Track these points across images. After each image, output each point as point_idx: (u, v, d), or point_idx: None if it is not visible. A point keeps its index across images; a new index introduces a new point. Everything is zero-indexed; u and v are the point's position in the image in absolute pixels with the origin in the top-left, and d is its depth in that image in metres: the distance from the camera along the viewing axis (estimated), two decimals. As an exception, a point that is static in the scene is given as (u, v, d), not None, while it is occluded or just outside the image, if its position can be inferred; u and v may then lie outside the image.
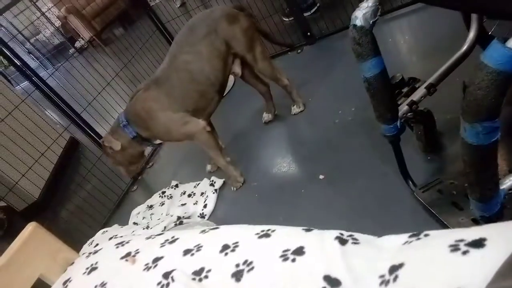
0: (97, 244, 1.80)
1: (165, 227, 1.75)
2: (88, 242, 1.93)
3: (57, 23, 5.63)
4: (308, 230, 0.79)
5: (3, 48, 1.92)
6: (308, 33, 2.51)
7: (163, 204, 2.16)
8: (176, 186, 2.24)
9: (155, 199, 2.27)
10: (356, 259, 0.66)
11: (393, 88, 1.21)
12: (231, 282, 0.75)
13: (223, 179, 2.01)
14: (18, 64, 2.00)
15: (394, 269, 0.60)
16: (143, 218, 2.13)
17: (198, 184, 2.12)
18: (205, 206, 1.94)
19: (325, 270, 0.66)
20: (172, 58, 1.75)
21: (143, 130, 1.81)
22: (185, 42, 1.75)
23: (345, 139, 1.69)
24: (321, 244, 0.71)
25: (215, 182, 2.02)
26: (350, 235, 0.72)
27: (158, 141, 2.00)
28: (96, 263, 1.05)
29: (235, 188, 1.90)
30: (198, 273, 0.82)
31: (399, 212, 1.23)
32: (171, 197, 2.17)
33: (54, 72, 2.56)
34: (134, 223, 2.11)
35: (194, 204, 1.99)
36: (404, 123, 1.18)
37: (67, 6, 4.83)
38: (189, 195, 2.09)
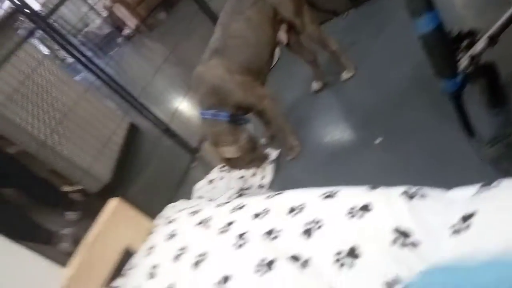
0: (168, 217, 1.96)
1: (228, 198, 1.85)
2: (159, 215, 2.10)
3: (104, 14, 5.87)
4: (373, 188, 0.82)
5: (63, 43, 2.07)
6: (353, -4, 2.42)
7: (222, 178, 2.27)
8: (234, 159, 2.33)
9: (214, 173, 2.38)
10: (425, 212, 0.69)
11: (451, 43, 1.16)
12: (303, 239, 0.80)
13: (279, 150, 2.06)
14: (79, 56, 2.15)
15: (465, 218, 0.62)
16: (206, 192, 2.26)
17: (254, 157, 2.19)
18: (263, 177, 2.01)
19: (394, 224, 0.69)
20: (224, 27, 1.79)
21: (225, 106, 1.79)
22: (234, 11, 1.79)
23: (401, 101, 1.65)
24: (388, 200, 0.74)
25: (271, 153, 2.08)
26: (417, 190, 0.74)
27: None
28: (175, 230, 1.16)
29: (292, 157, 1.94)
30: (270, 233, 0.88)
31: (464, 169, 1.20)
32: (230, 170, 2.27)
33: (109, 61, 2.70)
34: (199, 197, 2.24)
35: (252, 176, 2.07)
36: (464, 78, 1.14)
37: (113, -4, 5.03)
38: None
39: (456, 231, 0.62)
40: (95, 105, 2.65)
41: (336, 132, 1.84)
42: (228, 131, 1.79)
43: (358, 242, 0.70)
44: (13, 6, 2.04)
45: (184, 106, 3.00)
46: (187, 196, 2.36)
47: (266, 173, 2.01)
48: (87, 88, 2.47)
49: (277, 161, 2.02)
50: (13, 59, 2.04)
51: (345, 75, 2.04)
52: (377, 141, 1.58)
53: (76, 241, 2.77)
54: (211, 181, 2.34)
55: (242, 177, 2.09)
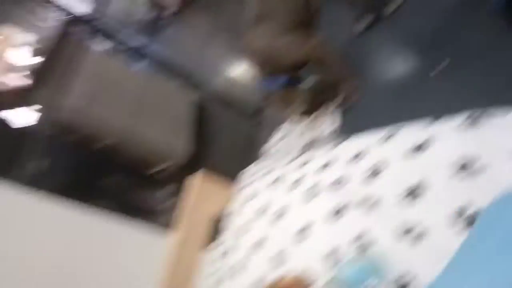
0: (242, 185, 2.11)
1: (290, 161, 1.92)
2: (236, 180, 2.26)
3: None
4: (434, 120, 0.81)
5: (116, 38, 2.24)
6: None
7: (289, 135, 2.34)
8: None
9: (280, 132, 2.45)
10: (491, 134, 0.68)
11: None
12: (369, 182, 0.84)
13: (340, 96, 2.03)
14: (132, 47, 2.31)
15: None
16: (278, 150, 2.35)
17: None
18: (328, 126, 2.02)
19: (460, 151, 0.69)
20: None
21: (281, 70, 1.81)
22: None
23: (455, 23, 1.52)
24: (450, 129, 0.74)
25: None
26: (480, 113, 0.72)
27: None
28: (252, 193, 1.27)
29: (354, 100, 1.91)
30: (337, 182, 0.94)
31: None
32: (292, 129, 2.32)
33: (162, 43, 2.83)
34: (271, 155, 2.35)
35: (316, 127, 2.10)
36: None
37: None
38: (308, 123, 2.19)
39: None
40: (161, 87, 2.84)
41: (396, 65, 1.77)
42: (290, 93, 1.82)
43: (424, 176, 0.72)
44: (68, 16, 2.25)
45: (238, 72, 3.05)
46: (257, 159, 2.48)
47: (332, 121, 2.02)
48: (151, 74, 2.66)
49: (341, 108, 2.01)
50: (83, 63, 2.28)
51: (391, 7, 1.91)
52: (438, 68, 1.50)
53: (171, 212, 3.11)
54: (279, 140, 2.42)
55: (305, 132, 2.13)
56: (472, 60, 1.36)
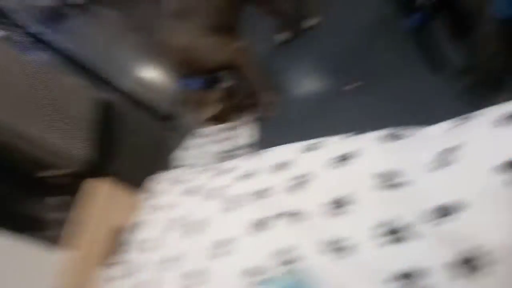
0: (154, 190, 1.95)
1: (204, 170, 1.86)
2: (142, 189, 2.09)
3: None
4: (353, 135, 0.83)
5: (9, 21, 1.91)
6: None
7: (200, 144, 2.26)
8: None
9: (192, 141, 2.36)
10: (406, 151, 0.70)
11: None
12: (293, 193, 0.82)
13: (257, 109, 2.04)
14: (29, 33, 2.00)
15: (445, 152, 0.64)
16: (185, 160, 2.25)
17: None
18: (242, 138, 2.00)
19: (378, 167, 0.70)
20: None
21: (199, 72, 1.78)
22: None
23: (369, 44, 1.65)
24: (369, 145, 0.75)
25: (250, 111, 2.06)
26: (395, 131, 0.75)
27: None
28: (163, 201, 1.16)
29: (271, 113, 1.92)
30: (260, 193, 0.90)
31: (439, 104, 1.24)
32: (207, 136, 2.25)
33: (63, 35, 2.53)
34: (178, 166, 2.24)
35: (230, 138, 2.07)
36: (425, 13, 1.14)
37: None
38: (225, 131, 2.15)
39: (441, 164, 0.64)
40: (60, 82, 2.51)
41: (309, 83, 1.84)
42: (205, 96, 1.77)
43: (349, 188, 0.72)
44: None
45: (150, 74, 2.90)
46: (167, 166, 2.35)
47: (248, 132, 2.01)
48: (47, 67, 2.32)
49: (257, 119, 2.01)
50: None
51: (309, 22, 2.00)
52: (351, 86, 1.59)
53: (62, 224, 2.77)
54: (190, 148, 2.32)
55: (220, 141, 2.09)
56: (385, 81, 1.47)
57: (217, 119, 1.86)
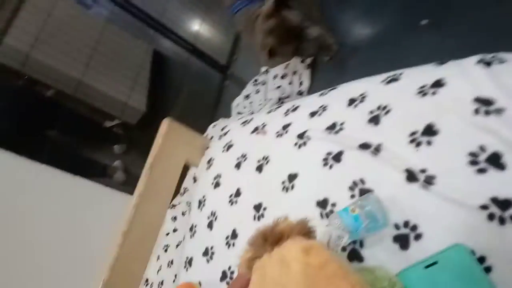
0: (212, 137, 1.98)
1: (270, 111, 1.84)
2: (203, 135, 2.14)
3: None
4: (441, 63, 0.76)
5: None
6: None
7: (258, 91, 2.23)
8: (267, 71, 2.26)
9: (249, 88, 2.34)
10: (507, 76, 0.63)
11: None
12: (370, 126, 0.78)
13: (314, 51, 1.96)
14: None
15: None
16: (244, 107, 2.25)
17: (288, 64, 2.12)
18: (301, 83, 1.95)
19: (474, 93, 0.64)
20: None
21: None
22: None
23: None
24: (463, 71, 0.69)
25: (305, 59, 1.99)
26: (493, 56, 0.68)
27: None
28: (230, 141, 1.18)
29: (329, 57, 1.85)
30: (332, 127, 0.87)
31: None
32: (264, 83, 2.22)
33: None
34: (238, 113, 2.25)
35: (289, 84, 2.02)
36: None
37: None
38: (282, 77, 2.11)
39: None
40: (117, 36, 2.58)
41: (376, 19, 1.71)
42: (257, 11, 1.63)
43: (434, 119, 0.67)
44: None
45: (206, 25, 2.87)
46: (226, 115, 2.37)
47: (304, 78, 1.95)
48: (107, 19, 2.38)
49: (314, 65, 1.94)
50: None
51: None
52: (424, 21, 1.45)
53: (127, 170, 2.96)
54: (247, 96, 2.31)
55: (278, 87, 2.05)
56: (460, 14, 1.32)
57: (277, 49, 1.64)
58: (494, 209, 0.54)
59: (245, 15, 1.64)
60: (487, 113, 0.61)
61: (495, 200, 0.55)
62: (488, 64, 0.67)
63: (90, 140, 3.10)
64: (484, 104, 0.62)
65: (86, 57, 2.14)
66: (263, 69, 2.27)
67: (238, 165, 1.08)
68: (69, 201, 1.61)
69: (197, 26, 2.82)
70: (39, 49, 2.06)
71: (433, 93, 0.70)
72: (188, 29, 2.92)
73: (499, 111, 0.60)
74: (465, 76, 0.67)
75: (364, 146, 0.76)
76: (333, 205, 0.75)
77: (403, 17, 1.60)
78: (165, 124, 1.25)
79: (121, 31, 2.64)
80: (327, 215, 0.76)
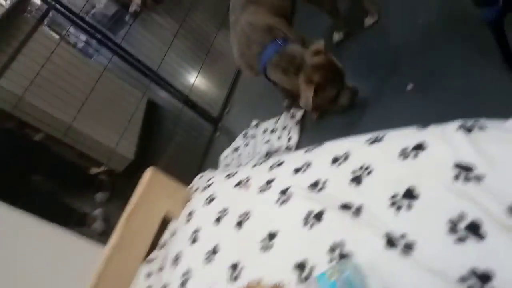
0: (197, 188, 1.94)
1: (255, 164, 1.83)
2: (189, 187, 2.11)
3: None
4: (423, 127, 0.77)
5: (81, 23, 2.04)
6: None
7: (247, 144, 2.25)
8: (257, 125, 2.29)
9: (239, 141, 2.36)
10: (487, 143, 0.64)
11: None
12: (352, 187, 0.77)
13: (303, 110, 2.01)
14: (94, 34, 2.11)
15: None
16: (232, 159, 2.24)
17: (278, 120, 2.15)
18: (289, 139, 1.97)
19: (454, 158, 0.64)
20: None
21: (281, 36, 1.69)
22: None
23: (432, 40, 1.56)
24: (443, 136, 0.69)
25: (295, 114, 2.03)
26: (474, 122, 0.68)
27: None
28: (213, 194, 1.15)
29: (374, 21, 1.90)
30: (315, 185, 0.85)
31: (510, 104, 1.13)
32: (254, 136, 2.24)
33: (124, 36, 2.65)
34: (226, 165, 2.24)
35: (278, 139, 2.04)
36: (505, 3, 1.05)
37: (115, -27, 4.91)
38: (272, 131, 2.13)
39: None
40: (113, 84, 2.63)
41: (365, 82, 1.76)
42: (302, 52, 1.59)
43: (414, 182, 0.66)
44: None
45: (201, 78, 2.96)
46: (214, 166, 2.36)
47: (293, 133, 1.97)
48: (104, 67, 2.43)
49: (302, 122, 1.97)
50: (30, 43, 2.02)
51: (368, 21, 1.93)
52: (409, 87, 1.51)
53: (107, 220, 2.86)
54: (236, 149, 2.32)
55: (268, 141, 2.07)
56: (450, 77, 1.38)
57: (322, 88, 1.55)
58: (473, 282, 0.52)
59: (284, 56, 1.57)
60: (467, 179, 0.60)
61: (474, 272, 0.52)
62: (469, 130, 0.68)
63: (73, 186, 3.03)
64: (464, 170, 0.62)
65: (79, 102, 2.15)
66: (254, 123, 2.31)
67: (218, 220, 1.05)
68: (40, 250, 1.53)
69: (193, 78, 2.90)
70: (33, 93, 2.08)
71: (415, 156, 0.70)
72: (184, 80, 3.00)
73: (478, 178, 0.60)
74: (446, 141, 0.68)
75: (346, 207, 0.74)
76: (312, 268, 0.71)
77: (390, 81, 1.66)
78: (148, 174, 1.23)
79: (118, 79, 2.70)
80: (306, 279, 0.72)
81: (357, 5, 1.94)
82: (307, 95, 1.49)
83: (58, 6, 1.91)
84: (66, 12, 1.95)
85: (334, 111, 1.72)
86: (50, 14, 2.06)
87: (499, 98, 1.18)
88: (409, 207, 0.65)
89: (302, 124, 1.98)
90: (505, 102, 1.15)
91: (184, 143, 2.64)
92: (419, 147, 0.70)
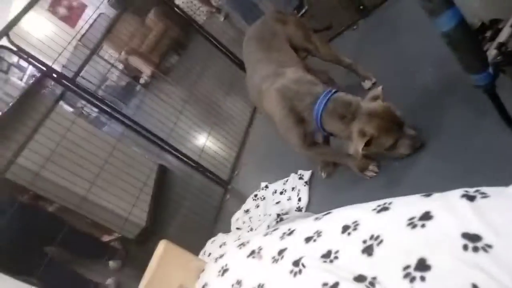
0: (210, 254, 1.92)
1: (268, 226, 1.83)
2: (201, 252, 2.09)
3: (120, 66, 6.13)
4: (427, 195, 0.79)
5: (92, 99, 2.17)
6: (361, 6, 2.44)
7: (258, 206, 2.25)
8: (266, 187, 2.32)
9: (249, 203, 2.37)
10: (491, 211, 0.65)
11: (476, 36, 1.15)
12: (364, 257, 0.78)
13: (311, 171, 2.04)
14: (107, 109, 2.24)
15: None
16: (243, 222, 2.24)
17: (287, 181, 2.18)
18: (299, 199, 1.98)
19: (461, 228, 0.66)
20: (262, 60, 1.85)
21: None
22: (262, 48, 1.89)
23: (428, 102, 1.62)
24: (448, 205, 0.71)
25: (303, 175, 2.06)
26: (477, 190, 0.71)
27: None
28: (226, 265, 1.15)
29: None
30: (327, 256, 0.86)
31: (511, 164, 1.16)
32: (264, 198, 2.26)
33: (136, 108, 2.79)
34: (237, 228, 2.23)
35: (288, 200, 2.05)
36: (495, 68, 1.11)
37: (126, 49, 5.26)
38: (281, 193, 2.15)
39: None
40: (124, 153, 2.72)
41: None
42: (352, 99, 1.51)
43: (425, 253, 0.67)
44: (39, 73, 2.17)
45: (210, 142, 3.05)
46: (225, 229, 2.35)
47: (302, 194, 1.99)
48: (117, 138, 2.54)
49: (310, 183, 2.00)
50: (47, 122, 2.14)
51: (366, 84, 2.03)
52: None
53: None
54: (247, 211, 2.32)
55: (278, 202, 2.08)
56: (451, 139, 1.41)
57: (376, 138, 1.45)
58: None
59: (339, 102, 1.51)
60: (476, 249, 0.62)
61: None
62: (472, 198, 0.70)
63: (86, 255, 3.02)
64: (472, 240, 0.63)
65: (92, 175, 2.22)
66: (263, 184, 2.33)
67: (233, 293, 1.04)
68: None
69: (202, 143, 2.99)
70: (48, 169, 2.15)
71: (422, 226, 0.71)
72: (193, 145, 3.09)
73: (486, 248, 0.61)
74: (451, 210, 0.70)
75: (360, 279, 0.75)
76: None
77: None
78: (162, 246, 1.24)
79: (129, 148, 2.79)
80: None
81: (354, 71, 2.06)
82: (357, 147, 1.42)
83: (74, 87, 2.04)
84: (82, 93, 2.08)
85: (394, 158, 1.58)
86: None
87: (501, 157, 1.21)
88: (423, 278, 0.65)
89: (311, 184, 2.00)
90: (505, 163, 1.17)
91: (195, 207, 2.66)
92: (426, 217, 0.72)
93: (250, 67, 1.95)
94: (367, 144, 1.41)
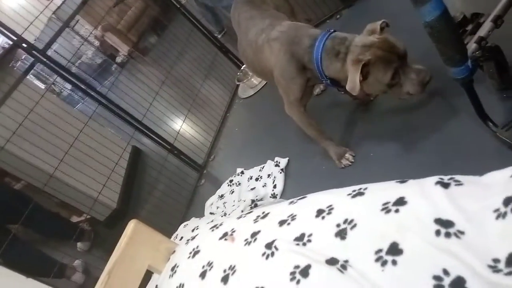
0: (182, 238, 1.89)
1: (242, 211, 1.82)
2: (173, 236, 2.06)
3: (96, 43, 5.92)
4: (402, 181, 0.79)
5: (64, 73, 2.07)
6: (345, -5, 2.44)
7: (233, 192, 2.24)
8: (242, 172, 2.31)
9: (224, 188, 2.35)
10: (464, 199, 0.66)
11: (458, 28, 1.16)
12: (337, 241, 0.77)
13: (287, 158, 2.04)
14: (80, 84, 2.15)
15: (509, 200, 0.60)
16: (217, 207, 2.22)
17: (263, 167, 2.17)
18: (274, 186, 1.98)
19: (434, 214, 0.66)
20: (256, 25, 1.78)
21: None
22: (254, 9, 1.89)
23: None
24: (422, 191, 0.71)
25: (279, 162, 2.06)
26: (451, 178, 0.71)
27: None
28: (197, 246, 1.13)
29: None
30: (300, 239, 0.85)
31: (484, 157, 1.19)
32: (239, 184, 2.24)
33: (111, 87, 2.70)
34: (211, 213, 2.21)
35: (263, 186, 2.05)
36: (474, 62, 1.13)
37: (103, 25, 5.06)
38: (256, 179, 2.14)
39: (501, 215, 0.60)
40: (97, 132, 2.64)
41: (345, 134, 1.82)
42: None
43: (398, 237, 0.67)
44: (10, 42, 2.05)
45: (186, 126, 2.99)
46: (199, 214, 2.33)
47: (278, 181, 1.98)
48: (89, 116, 2.45)
49: (286, 170, 2.00)
50: (15, 94, 2.03)
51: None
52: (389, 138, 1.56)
53: (87, 272, 2.74)
54: (221, 196, 2.31)
55: (253, 188, 2.07)
56: (426, 131, 1.43)
57: (373, 66, 1.30)
58: None
59: (336, 39, 1.42)
60: (448, 235, 0.62)
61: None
62: (446, 185, 0.70)
63: (52, 235, 2.92)
64: (445, 226, 0.63)
65: (62, 152, 2.13)
66: (239, 170, 2.32)
67: (203, 275, 1.02)
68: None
69: (178, 126, 2.93)
70: (15, 144, 2.05)
71: (396, 211, 0.72)
72: (169, 128, 3.02)
73: (458, 234, 0.61)
74: (425, 196, 0.70)
75: (331, 262, 0.74)
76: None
77: (371, 132, 1.72)
78: (131, 226, 1.20)
79: (102, 127, 2.70)
80: None
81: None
82: (353, 77, 1.26)
83: (44, 59, 1.94)
84: (52, 65, 1.98)
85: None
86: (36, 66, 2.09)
87: (475, 149, 1.23)
88: (394, 262, 0.65)
89: (287, 171, 2.00)
90: (479, 153, 1.20)
91: (168, 191, 2.62)
92: (399, 202, 0.72)
93: (242, 29, 1.91)
94: (365, 77, 1.27)
